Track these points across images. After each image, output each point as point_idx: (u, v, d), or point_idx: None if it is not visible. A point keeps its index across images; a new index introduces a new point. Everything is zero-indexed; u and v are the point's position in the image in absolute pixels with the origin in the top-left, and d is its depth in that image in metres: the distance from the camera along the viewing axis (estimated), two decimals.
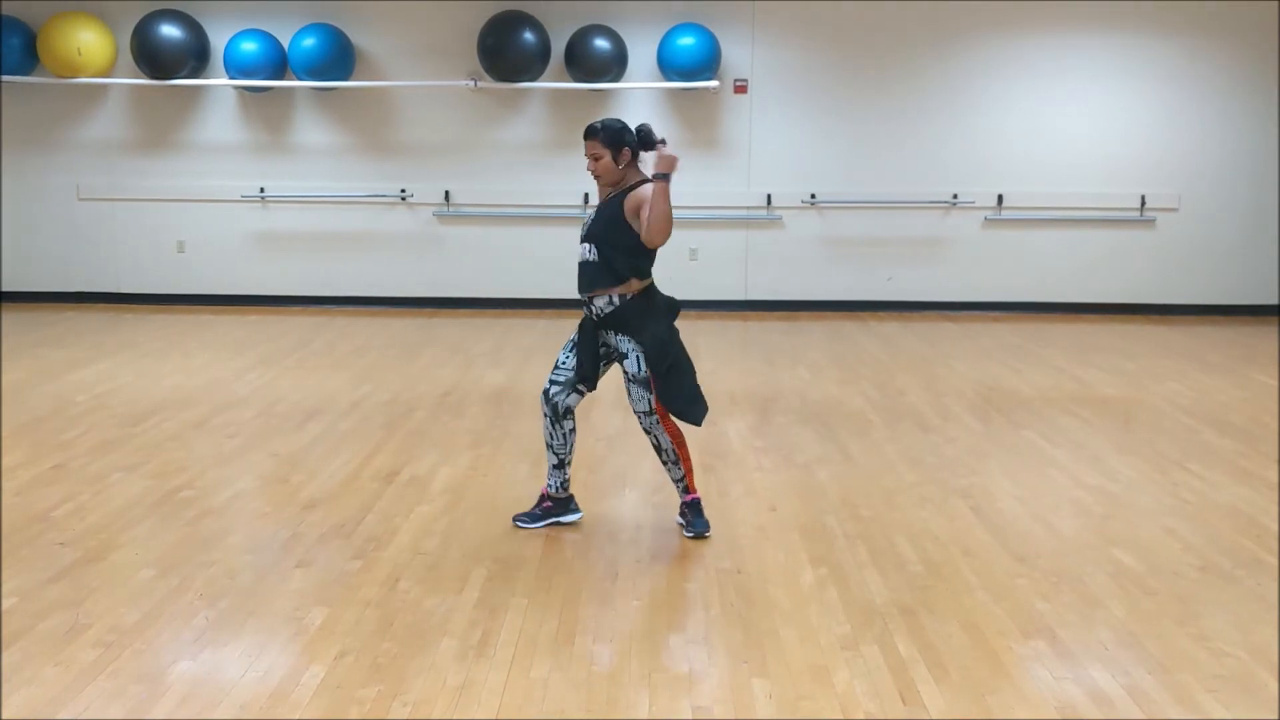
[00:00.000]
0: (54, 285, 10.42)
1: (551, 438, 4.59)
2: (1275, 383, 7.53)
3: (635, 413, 4.51)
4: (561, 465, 4.64)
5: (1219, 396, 7.13)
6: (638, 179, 4.46)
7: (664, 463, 4.60)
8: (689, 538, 4.55)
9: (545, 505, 4.69)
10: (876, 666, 3.47)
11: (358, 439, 6.01)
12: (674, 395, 4.43)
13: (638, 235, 4.36)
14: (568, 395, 4.55)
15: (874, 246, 10.29)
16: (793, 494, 5.15)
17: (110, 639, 3.61)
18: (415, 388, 7.19)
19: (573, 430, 4.61)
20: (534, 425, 6.23)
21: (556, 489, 4.67)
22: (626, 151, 4.43)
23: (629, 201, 4.39)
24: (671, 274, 9.47)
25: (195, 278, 10.43)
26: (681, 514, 4.66)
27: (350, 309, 10.28)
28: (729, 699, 3.27)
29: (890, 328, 9.57)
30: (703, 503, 4.70)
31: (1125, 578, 4.18)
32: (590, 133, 4.45)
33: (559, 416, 4.55)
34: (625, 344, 4.46)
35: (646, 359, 4.41)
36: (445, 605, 3.89)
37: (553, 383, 4.56)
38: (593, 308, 4.48)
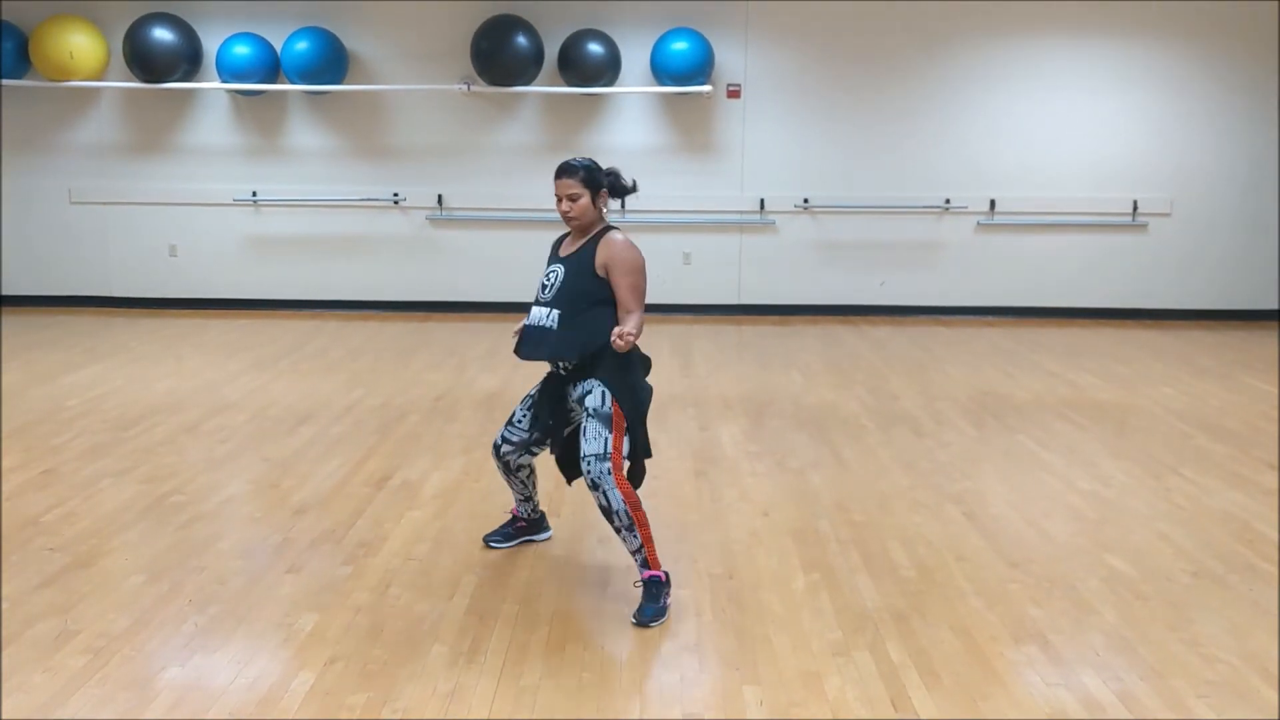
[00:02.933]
0: (46, 289, 10.40)
1: (510, 482, 4.38)
2: (1268, 387, 7.54)
3: (584, 456, 3.86)
4: (527, 500, 4.46)
5: (1212, 401, 7.13)
6: (603, 225, 4.07)
7: (615, 529, 3.88)
8: (631, 622, 3.83)
9: (519, 525, 4.53)
10: (868, 673, 3.46)
11: (350, 444, 5.99)
12: (637, 446, 4.01)
13: (609, 291, 3.97)
14: (520, 456, 4.27)
15: (867, 251, 10.29)
16: (786, 499, 5.15)
17: (99, 645, 3.60)
18: (408, 392, 7.18)
19: (530, 474, 4.38)
20: None
21: (529, 513, 4.51)
22: (604, 192, 4.05)
23: (598, 257, 3.97)
24: (665, 278, 9.51)
25: (188, 281, 10.40)
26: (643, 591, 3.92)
27: (343, 313, 10.26)
28: (720, 706, 3.26)
29: (883, 332, 9.57)
30: (667, 582, 3.94)
31: (1118, 583, 4.18)
32: (567, 170, 4.00)
33: (511, 471, 4.32)
34: (590, 384, 3.96)
35: (617, 397, 3.92)
36: (436, 611, 3.88)
37: (505, 440, 4.25)
38: (559, 364, 4.09)
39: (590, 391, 3.96)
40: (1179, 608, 3.97)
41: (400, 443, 6.02)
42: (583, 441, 3.90)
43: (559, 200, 4.04)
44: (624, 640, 3.69)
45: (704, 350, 8.54)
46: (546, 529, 4.62)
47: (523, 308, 10.60)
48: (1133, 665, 3.52)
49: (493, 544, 4.51)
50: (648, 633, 3.75)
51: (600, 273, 3.98)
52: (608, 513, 3.86)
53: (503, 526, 4.56)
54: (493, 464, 5.57)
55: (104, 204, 10.29)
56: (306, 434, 6.17)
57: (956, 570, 4.30)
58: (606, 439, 3.88)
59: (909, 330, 9.68)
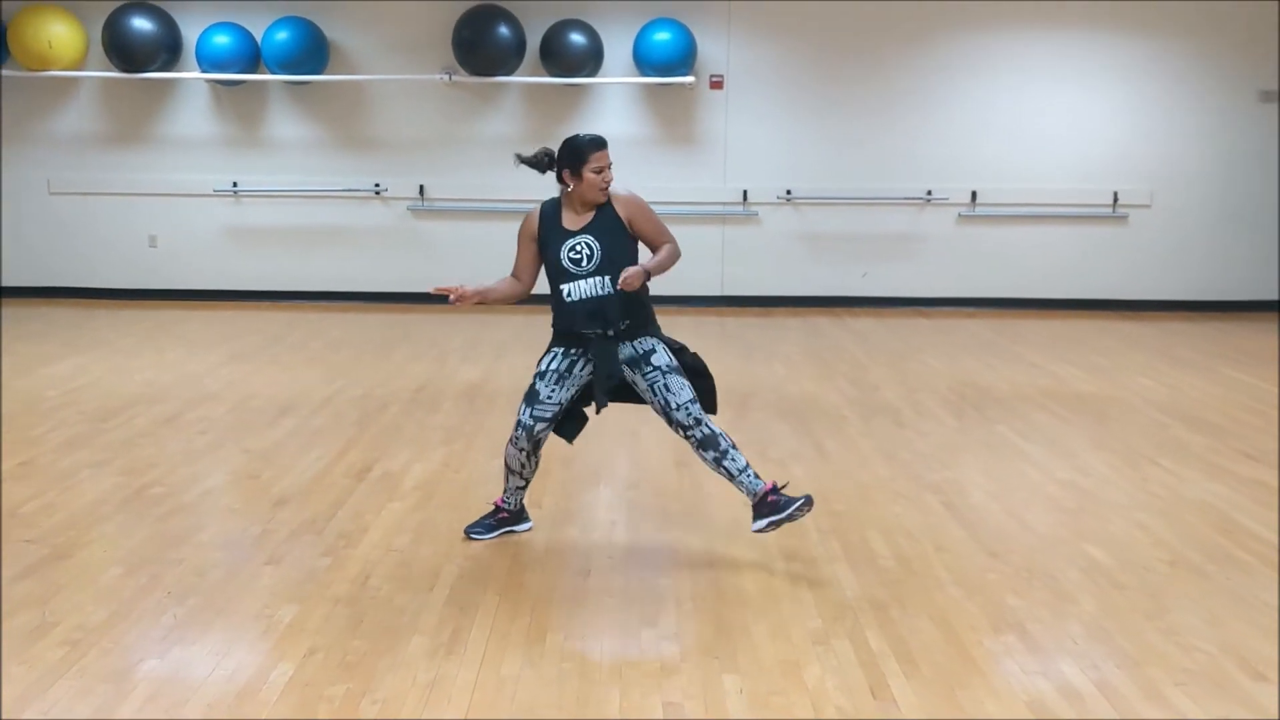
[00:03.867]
0: (25, 280, 10.33)
1: (524, 468, 4.36)
2: (1246, 378, 7.57)
3: (679, 407, 4.16)
4: (525, 486, 4.48)
5: (1190, 392, 7.17)
6: None
7: (718, 459, 4.18)
8: (800, 508, 4.04)
9: (501, 516, 4.51)
10: (847, 661, 3.47)
11: (330, 435, 5.97)
12: (702, 385, 4.33)
13: (636, 245, 4.28)
14: (549, 429, 4.31)
15: (849, 242, 10.31)
16: None
17: (77, 637, 3.58)
18: (389, 383, 7.16)
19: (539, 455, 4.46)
20: (507, 421, 6.20)
21: (515, 504, 4.52)
22: None
23: (621, 214, 4.22)
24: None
25: (168, 272, 10.35)
26: (769, 508, 4.09)
27: (324, 304, 10.22)
28: (700, 695, 3.26)
29: (865, 323, 9.59)
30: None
31: (1096, 572, 4.20)
32: (606, 143, 4.21)
33: (536, 449, 4.32)
34: (647, 342, 4.25)
35: (675, 349, 4.33)
36: (416, 602, 3.87)
37: (537, 420, 4.23)
38: (606, 330, 4.20)
39: (654, 350, 4.25)
40: (1157, 597, 3.99)
41: (381, 434, 6.00)
42: (669, 395, 4.19)
43: (602, 171, 4.17)
44: (604, 630, 3.70)
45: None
46: (527, 520, 4.60)
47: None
48: (1110, 654, 3.54)
49: (474, 535, 4.49)
50: (627, 622, 3.75)
51: (629, 228, 4.24)
52: (713, 440, 4.19)
53: (484, 518, 4.55)
54: (473, 454, 5.60)
55: (83, 194, 10.24)
56: (287, 425, 6.15)
57: (936, 560, 4.31)
58: (687, 385, 4.23)
59: (890, 321, 9.71)
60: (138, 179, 10.19)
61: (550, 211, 4.32)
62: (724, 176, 10.17)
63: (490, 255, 10.24)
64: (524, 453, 4.33)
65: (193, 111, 10.12)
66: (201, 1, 9.83)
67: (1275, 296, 10.36)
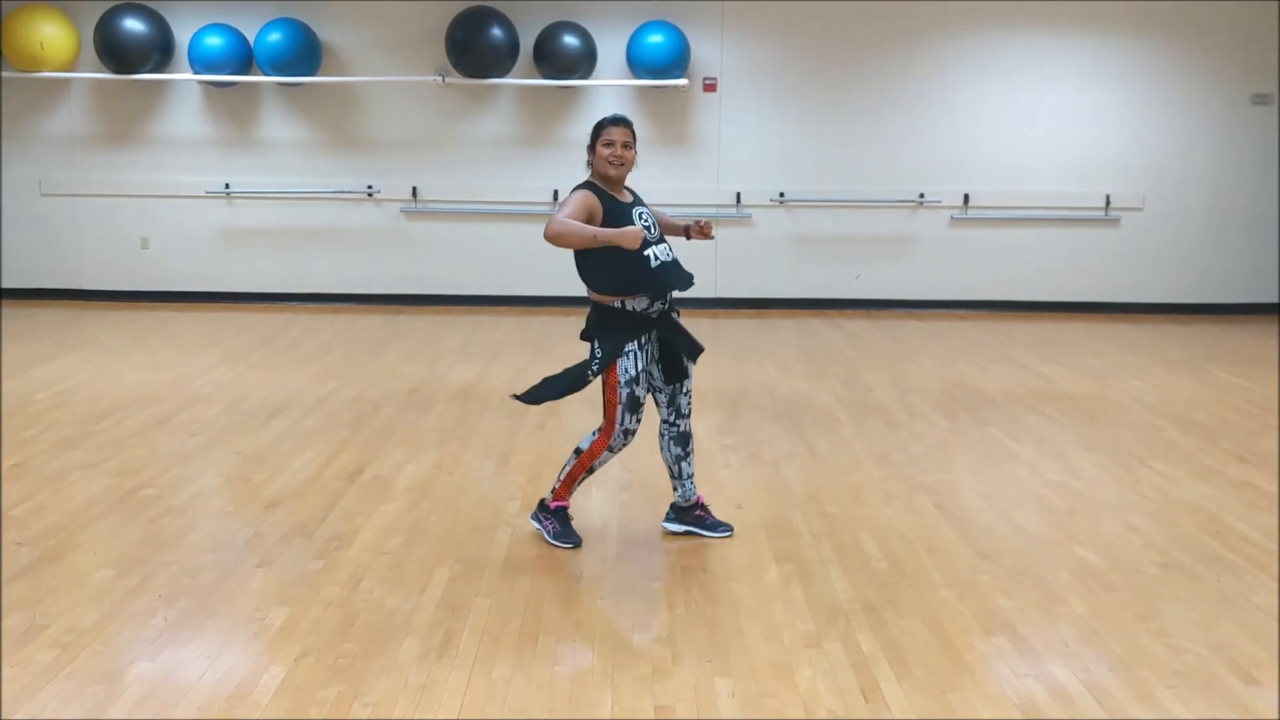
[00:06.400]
0: (16, 281, 10.30)
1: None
2: (1237, 380, 7.59)
3: (687, 392, 4.48)
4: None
5: (1182, 394, 7.19)
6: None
7: (686, 455, 4.50)
8: (725, 537, 4.52)
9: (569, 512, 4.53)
10: (839, 664, 3.47)
11: (322, 437, 5.96)
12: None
13: None
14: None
15: (842, 244, 10.32)
16: (759, 491, 5.16)
17: (68, 639, 3.57)
18: (381, 385, 7.15)
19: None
20: (501, 422, 6.21)
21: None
22: None
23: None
24: None
25: (160, 274, 10.33)
26: (696, 520, 4.57)
27: (316, 305, 10.21)
28: (692, 697, 3.26)
29: (858, 325, 9.60)
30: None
31: (1087, 574, 4.21)
32: (625, 121, 4.28)
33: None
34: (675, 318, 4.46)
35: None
36: (408, 605, 3.87)
37: (639, 422, 4.35)
38: (666, 301, 4.36)
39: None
40: (1147, 599, 4.00)
41: (373, 435, 6.00)
42: (688, 382, 4.47)
43: (614, 145, 4.23)
44: (596, 632, 3.70)
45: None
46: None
47: (498, 300, 10.57)
48: (1101, 656, 3.55)
49: (572, 543, 4.42)
50: (620, 625, 3.75)
51: None
52: (690, 438, 4.52)
53: (559, 521, 4.47)
54: (466, 455, 5.58)
55: (75, 196, 10.21)
56: (279, 427, 6.14)
57: (928, 562, 4.32)
58: None
59: (883, 323, 9.72)
60: (129, 180, 10.17)
61: (599, 192, 4.26)
62: (717, 178, 10.17)
63: (483, 257, 10.31)
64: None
65: (185, 113, 10.10)
66: (194, 2, 9.82)
67: (1267, 299, 10.39)
